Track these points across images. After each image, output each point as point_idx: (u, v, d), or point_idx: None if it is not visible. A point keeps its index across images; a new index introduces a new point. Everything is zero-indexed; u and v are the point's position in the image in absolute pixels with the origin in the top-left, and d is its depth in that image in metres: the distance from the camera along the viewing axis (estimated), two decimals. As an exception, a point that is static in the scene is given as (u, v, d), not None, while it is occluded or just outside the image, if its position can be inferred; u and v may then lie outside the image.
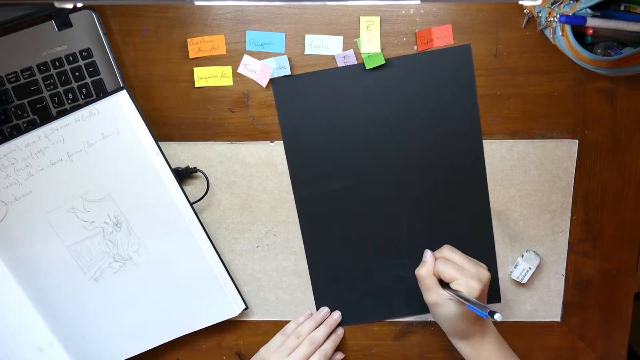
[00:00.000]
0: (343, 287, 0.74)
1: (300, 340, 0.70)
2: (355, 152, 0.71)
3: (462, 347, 0.67)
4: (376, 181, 0.72)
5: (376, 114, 0.71)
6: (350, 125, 0.71)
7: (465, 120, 0.70)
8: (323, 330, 0.71)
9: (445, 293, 0.63)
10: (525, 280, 0.71)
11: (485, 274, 0.64)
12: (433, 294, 0.64)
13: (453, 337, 0.67)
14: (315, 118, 0.71)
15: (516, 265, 0.72)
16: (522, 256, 0.72)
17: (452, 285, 0.63)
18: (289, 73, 0.69)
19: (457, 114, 0.70)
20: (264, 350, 0.71)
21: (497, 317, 0.56)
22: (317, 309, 0.75)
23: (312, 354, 0.69)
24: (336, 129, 0.71)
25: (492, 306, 0.74)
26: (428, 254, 0.66)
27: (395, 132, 0.71)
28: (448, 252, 0.66)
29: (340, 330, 0.74)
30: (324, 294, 0.74)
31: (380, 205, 0.72)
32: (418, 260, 0.68)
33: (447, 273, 0.64)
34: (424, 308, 0.70)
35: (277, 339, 0.72)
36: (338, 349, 0.74)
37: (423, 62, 0.70)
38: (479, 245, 0.73)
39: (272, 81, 0.70)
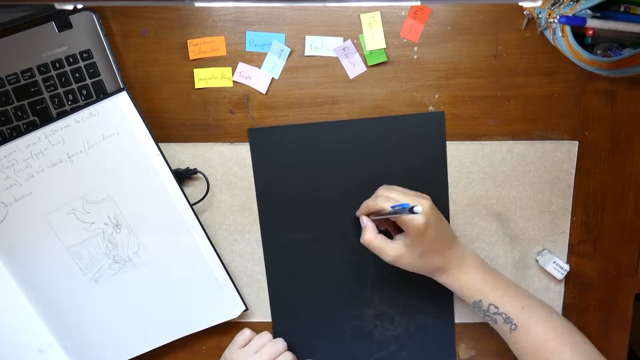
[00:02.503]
0: (306, 327, 0.74)
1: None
2: (326, 205, 0.72)
3: (444, 280, 0.66)
4: (343, 234, 0.72)
5: (349, 170, 0.71)
6: (322, 179, 0.72)
7: (434, 184, 0.71)
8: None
9: (395, 243, 0.64)
10: (567, 268, 0.70)
11: (425, 201, 0.63)
12: (388, 250, 0.64)
13: (432, 274, 0.67)
14: (289, 169, 0.72)
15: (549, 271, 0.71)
16: (538, 262, 0.72)
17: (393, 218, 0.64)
18: (287, 56, 0.70)
19: (427, 177, 0.71)
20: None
21: (416, 209, 0.56)
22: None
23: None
24: (308, 182, 0.72)
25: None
26: (364, 219, 0.67)
27: (365, 189, 0.70)
28: (385, 191, 0.66)
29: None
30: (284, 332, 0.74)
31: (345, 257, 0.73)
32: (378, 308, 0.70)
33: (386, 206, 0.63)
34: (383, 358, 0.73)
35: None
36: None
37: (399, 124, 0.71)
38: (439, 296, 0.73)
39: (249, 131, 0.71)
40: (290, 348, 0.72)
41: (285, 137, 0.71)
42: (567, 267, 0.70)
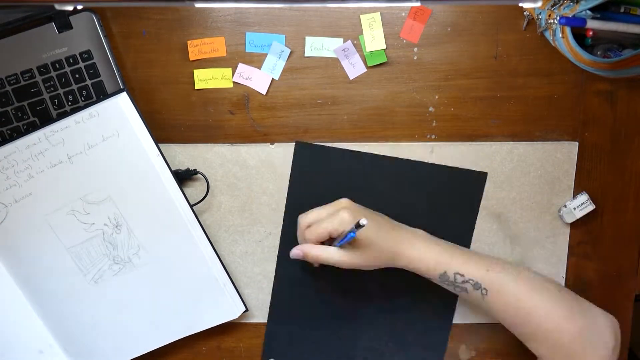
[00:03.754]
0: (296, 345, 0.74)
1: None
2: None
3: (403, 263, 0.65)
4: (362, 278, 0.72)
5: (380, 205, 0.70)
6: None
7: (458, 237, 0.71)
8: None
9: (342, 250, 0.63)
10: (579, 215, 0.69)
11: (342, 202, 0.64)
12: (340, 258, 0.63)
13: (391, 262, 0.65)
14: (323, 189, 0.71)
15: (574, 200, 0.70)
16: (564, 216, 0.71)
17: (333, 236, 0.63)
18: (287, 56, 0.70)
19: (453, 229, 0.71)
20: None
21: (362, 221, 0.56)
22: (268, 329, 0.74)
23: None
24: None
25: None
26: (296, 249, 0.66)
27: None
28: (303, 219, 0.66)
29: None
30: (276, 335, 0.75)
31: (353, 287, 0.73)
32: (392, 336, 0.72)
33: (320, 233, 0.63)
34: None
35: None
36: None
37: (440, 173, 0.71)
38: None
39: (296, 143, 0.71)
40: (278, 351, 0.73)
41: (330, 158, 0.72)
42: (592, 207, 0.69)
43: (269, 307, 0.74)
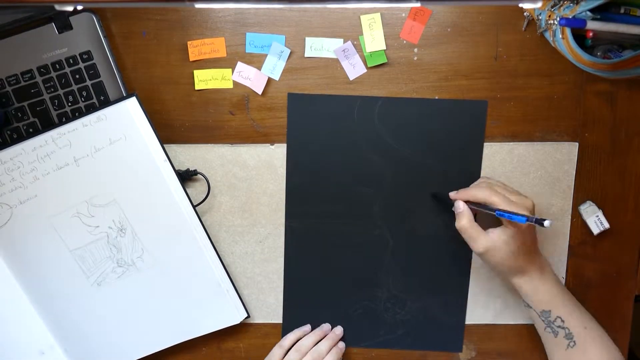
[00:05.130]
0: (314, 305, 0.74)
1: (301, 354, 0.70)
2: (353, 180, 0.72)
3: (522, 282, 0.66)
4: (368, 212, 0.72)
5: (383, 147, 0.71)
6: (354, 153, 0.71)
7: (467, 170, 0.71)
8: (326, 344, 0.71)
9: (494, 232, 0.63)
10: (607, 226, 0.70)
11: (530, 202, 0.64)
12: (481, 240, 0.63)
13: (513, 276, 0.66)
14: (323, 139, 0.71)
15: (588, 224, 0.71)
16: (581, 213, 0.71)
17: (489, 204, 0.63)
18: (287, 57, 0.69)
19: (460, 163, 0.71)
20: None
21: (546, 223, 0.56)
22: (284, 321, 0.74)
23: None
24: (340, 155, 0.72)
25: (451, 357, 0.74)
26: (460, 205, 0.65)
27: (394, 169, 0.71)
28: (488, 184, 0.66)
29: (342, 345, 0.73)
30: (294, 309, 0.74)
31: (366, 236, 0.73)
32: (391, 291, 0.72)
33: (497, 199, 0.63)
34: (389, 342, 0.74)
35: (276, 351, 0.71)
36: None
37: (439, 108, 0.70)
38: (454, 288, 0.74)
39: (289, 95, 0.70)
40: (298, 317, 0.74)
41: (324, 107, 0.71)
42: (607, 225, 0.70)
43: (282, 303, 0.74)
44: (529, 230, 0.64)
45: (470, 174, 0.71)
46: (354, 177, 0.72)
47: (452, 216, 0.67)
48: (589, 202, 0.71)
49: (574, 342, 0.65)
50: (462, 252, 0.72)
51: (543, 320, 0.66)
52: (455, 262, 0.73)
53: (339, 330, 0.74)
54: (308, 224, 0.73)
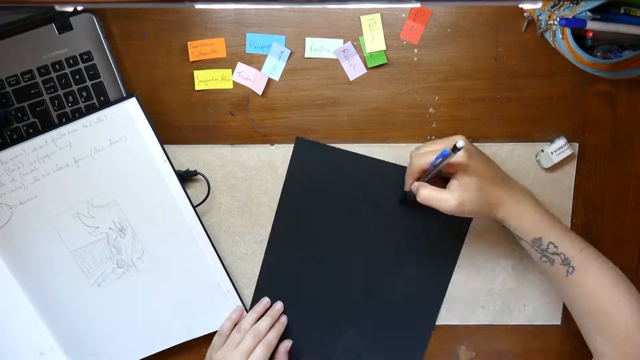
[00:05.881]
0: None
1: (242, 334, 0.69)
2: (341, 231, 0.73)
3: (503, 214, 0.64)
4: (345, 264, 0.73)
5: (376, 210, 0.72)
6: (347, 208, 0.72)
7: (448, 249, 0.73)
8: (266, 321, 0.70)
9: (451, 183, 0.63)
10: (556, 160, 0.69)
11: (458, 136, 0.64)
12: (448, 198, 0.63)
13: (492, 211, 0.65)
14: (319, 187, 0.72)
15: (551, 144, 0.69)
16: (540, 161, 0.70)
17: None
18: (287, 57, 0.70)
19: (442, 240, 0.72)
20: (208, 353, 0.70)
21: (459, 144, 0.56)
22: None
23: (256, 345, 0.68)
24: (333, 206, 0.72)
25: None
26: (413, 183, 0.66)
27: (382, 230, 0.72)
28: (417, 151, 0.66)
29: (284, 318, 0.72)
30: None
31: (336, 286, 0.73)
32: (372, 340, 0.73)
33: (428, 156, 0.63)
34: None
35: (215, 340, 0.70)
36: (283, 337, 0.72)
37: None
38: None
39: (297, 139, 0.71)
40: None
41: (329, 157, 0.72)
42: (570, 151, 0.69)
43: (252, 297, 0.74)
44: (480, 163, 0.63)
45: (452, 249, 0.72)
46: (341, 233, 0.73)
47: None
48: (539, 154, 0.70)
49: (572, 267, 0.62)
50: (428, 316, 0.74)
51: (536, 250, 0.64)
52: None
53: (279, 305, 0.72)
54: (285, 264, 0.73)
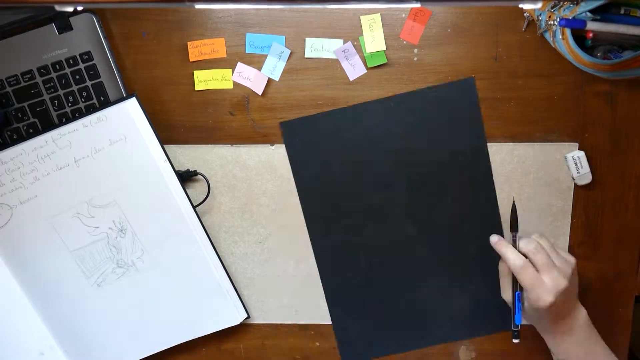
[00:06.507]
0: (359, 316, 0.74)
1: None
2: (365, 189, 0.72)
3: (547, 337, 0.66)
4: (387, 216, 0.72)
5: (386, 150, 0.71)
6: (361, 163, 0.71)
7: (473, 154, 0.71)
8: None
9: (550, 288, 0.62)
10: (586, 170, 0.69)
11: (569, 269, 0.63)
12: (545, 296, 0.62)
13: (542, 331, 0.66)
14: (326, 158, 0.71)
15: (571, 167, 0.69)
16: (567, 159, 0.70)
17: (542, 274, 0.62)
18: (287, 57, 0.70)
19: (463, 144, 0.71)
20: None
21: (514, 341, 0.62)
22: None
23: None
24: (347, 168, 0.72)
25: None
26: (495, 240, 0.66)
27: (401, 169, 0.71)
28: (538, 242, 0.65)
29: None
30: (343, 319, 0.75)
31: (392, 237, 0.73)
32: (431, 289, 0.72)
33: (539, 261, 0.63)
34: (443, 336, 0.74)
35: None
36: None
37: (428, 97, 0.70)
38: (491, 269, 0.71)
39: (281, 124, 0.71)
40: (350, 341, 0.73)
41: (317, 126, 0.71)
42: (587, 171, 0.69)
43: (327, 308, 0.74)
44: (552, 308, 0.62)
45: (476, 151, 0.70)
46: (365, 186, 0.72)
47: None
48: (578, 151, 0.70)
49: None
50: (488, 232, 0.71)
51: None
52: (486, 240, 0.70)
53: None
54: (334, 244, 0.73)
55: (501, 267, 0.68)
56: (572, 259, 0.65)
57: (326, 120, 0.71)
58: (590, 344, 0.66)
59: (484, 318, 0.73)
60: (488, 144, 0.71)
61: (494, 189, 0.71)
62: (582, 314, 0.66)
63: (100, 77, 0.69)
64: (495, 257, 0.68)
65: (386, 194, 0.72)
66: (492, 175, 0.71)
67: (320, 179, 0.72)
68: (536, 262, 0.63)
